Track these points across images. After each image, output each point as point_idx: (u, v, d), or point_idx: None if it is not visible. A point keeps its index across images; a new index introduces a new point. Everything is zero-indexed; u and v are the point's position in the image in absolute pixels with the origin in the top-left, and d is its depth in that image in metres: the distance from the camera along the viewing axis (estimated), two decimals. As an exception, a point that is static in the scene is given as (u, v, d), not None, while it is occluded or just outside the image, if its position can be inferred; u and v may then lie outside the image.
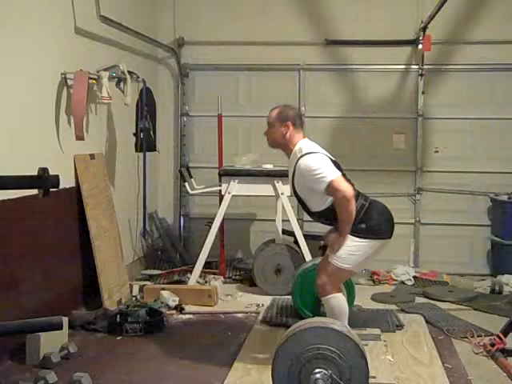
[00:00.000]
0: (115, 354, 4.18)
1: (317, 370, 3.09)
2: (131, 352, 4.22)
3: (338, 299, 3.85)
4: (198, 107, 7.20)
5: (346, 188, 3.70)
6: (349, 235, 3.80)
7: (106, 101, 5.11)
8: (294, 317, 4.82)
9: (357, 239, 3.80)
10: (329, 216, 3.86)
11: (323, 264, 3.94)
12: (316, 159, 3.79)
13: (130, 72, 5.41)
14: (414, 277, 6.28)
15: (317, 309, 4.60)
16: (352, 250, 3.81)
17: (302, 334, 3.18)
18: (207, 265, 6.00)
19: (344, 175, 3.87)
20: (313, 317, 4.34)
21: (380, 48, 6.87)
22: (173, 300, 5.16)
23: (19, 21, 4.12)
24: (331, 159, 3.90)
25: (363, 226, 3.80)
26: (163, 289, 5.34)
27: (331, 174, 3.72)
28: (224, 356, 4.14)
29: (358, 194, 3.90)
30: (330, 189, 3.71)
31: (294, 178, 3.88)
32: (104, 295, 4.92)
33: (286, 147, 3.99)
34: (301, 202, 3.97)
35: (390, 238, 3.94)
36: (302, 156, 3.81)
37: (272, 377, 3.19)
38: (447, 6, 5.64)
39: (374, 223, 3.83)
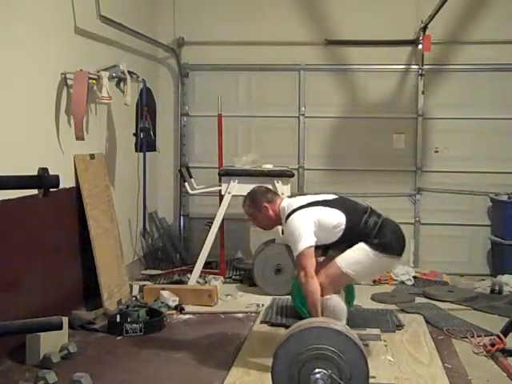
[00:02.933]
0: (115, 354, 4.17)
1: (316, 370, 3.09)
2: (131, 352, 4.22)
3: (335, 300, 3.85)
4: (198, 107, 7.20)
5: (309, 266, 3.73)
6: (362, 243, 3.82)
7: (105, 101, 5.10)
8: (293, 317, 4.81)
9: (368, 248, 3.81)
10: (349, 239, 3.87)
11: (324, 263, 3.94)
12: (294, 224, 3.83)
13: (130, 72, 5.41)
14: (414, 277, 6.27)
15: None
16: (361, 257, 3.82)
17: (301, 334, 3.18)
18: (207, 265, 6.00)
19: (337, 203, 3.93)
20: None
21: (380, 48, 6.87)
22: (173, 300, 5.16)
23: (19, 21, 4.12)
24: (316, 202, 3.93)
25: (376, 241, 3.82)
26: (163, 289, 5.33)
27: (302, 244, 3.74)
28: (224, 356, 4.13)
29: (371, 212, 3.93)
30: (297, 261, 3.82)
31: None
32: (104, 295, 4.92)
33: (277, 221, 4.09)
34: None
35: (400, 256, 3.97)
36: (288, 216, 3.89)
37: (272, 377, 3.19)
38: (447, 6, 5.64)
39: (387, 240, 3.85)
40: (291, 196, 4.20)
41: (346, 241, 3.85)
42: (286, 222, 3.90)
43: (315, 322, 3.31)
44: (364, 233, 3.83)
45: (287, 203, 4.00)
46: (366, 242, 3.81)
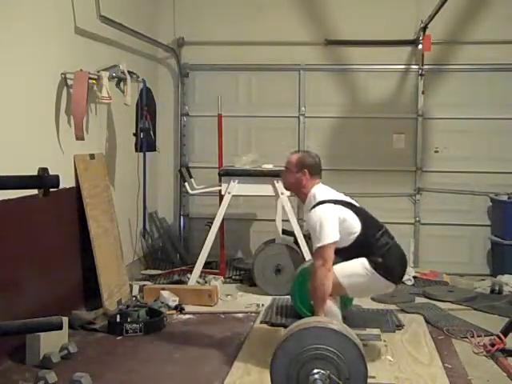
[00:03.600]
0: (115, 354, 4.17)
1: (315, 371, 3.09)
2: (131, 352, 4.22)
3: (328, 304, 3.77)
4: (198, 107, 7.20)
5: (330, 259, 3.68)
6: (364, 259, 3.81)
7: (105, 101, 5.11)
8: (293, 317, 4.81)
9: (368, 266, 3.79)
10: (356, 251, 3.85)
11: None
12: (322, 215, 3.76)
13: (130, 72, 5.41)
14: (414, 277, 6.26)
15: None
16: (358, 272, 3.81)
17: (300, 334, 3.17)
18: (207, 265, 6.00)
19: (360, 212, 3.90)
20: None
21: (380, 48, 6.87)
22: (173, 300, 5.16)
23: (19, 21, 4.12)
24: (345, 202, 3.91)
25: (380, 260, 3.80)
26: (163, 289, 5.33)
27: (326, 238, 3.70)
28: (224, 356, 4.13)
29: (385, 231, 3.93)
30: (315, 252, 3.74)
31: (307, 226, 4.00)
32: (104, 295, 4.92)
33: (299, 192, 4.05)
34: None
35: (397, 284, 3.96)
36: (315, 205, 3.83)
37: (271, 377, 3.19)
38: (447, 6, 5.64)
39: (391, 264, 3.84)
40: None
41: (353, 250, 3.84)
42: (313, 208, 3.82)
43: (313, 321, 3.31)
44: (372, 248, 3.82)
45: (318, 191, 3.92)
46: (369, 259, 3.80)
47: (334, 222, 3.75)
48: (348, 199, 3.99)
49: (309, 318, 3.50)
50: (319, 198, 3.86)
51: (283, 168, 4.11)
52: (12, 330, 2.83)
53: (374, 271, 3.78)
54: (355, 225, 3.84)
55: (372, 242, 3.84)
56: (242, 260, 6.82)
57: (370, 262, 3.80)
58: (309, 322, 3.31)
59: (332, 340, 3.12)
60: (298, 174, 3.97)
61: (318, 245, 3.71)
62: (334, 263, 3.79)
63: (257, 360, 4.01)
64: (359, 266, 3.81)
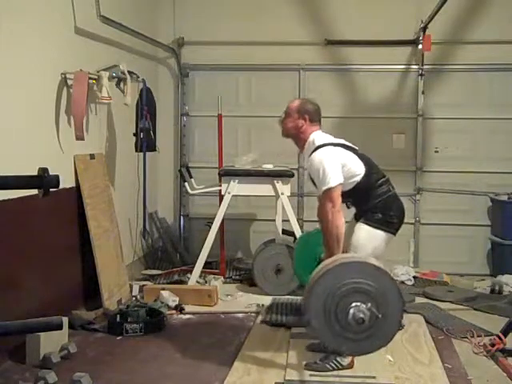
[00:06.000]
0: (115, 354, 4.17)
1: (354, 304, 3.13)
2: (131, 352, 4.22)
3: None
4: (197, 107, 7.20)
5: (338, 201, 3.68)
6: (362, 224, 3.83)
7: (105, 101, 5.10)
8: (293, 317, 4.82)
9: (371, 229, 3.82)
10: (355, 196, 3.87)
11: None
12: (324, 158, 3.75)
13: (130, 72, 5.41)
14: (414, 277, 6.27)
15: None
16: (367, 239, 3.83)
17: (339, 269, 3.20)
18: (207, 265, 6.00)
19: (363, 157, 3.89)
20: None
21: (380, 48, 6.87)
22: (173, 300, 5.16)
23: (19, 21, 4.12)
24: (346, 146, 3.90)
25: (379, 215, 3.81)
26: (163, 289, 5.33)
27: (332, 180, 3.69)
28: (224, 356, 4.13)
29: (388, 179, 3.93)
30: (323, 195, 3.71)
31: (309, 171, 3.94)
32: (104, 295, 4.92)
33: (298, 139, 4.00)
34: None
35: (394, 235, 3.96)
36: (315, 149, 3.82)
37: (306, 310, 3.21)
38: (447, 6, 5.64)
39: (391, 214, 3.85)
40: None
41: (354, 195, 3.83)
42: (313, 153, 3.80)
43: (352, 257, 3.33)
44: (372, 193, 3.82)
45: (317, 136, 3.91)
46: (368, 221, 3.80)
47: (337, 164, 3.74)
48: (349, 144, 3.96)
49: (344, 255, 3.50)
50: (318, 143, 3.84)
51: (282, 114, 4.05)
52: (12, 330, 2.82)
53: (377, 231, 3.81)
54: (357, 168, 3.83)
55: (373, 187, 3.84)
56: (242, 260, 6.81)
57: (372, 223, 3.80)
58: (347, 257, 3.33)
59: (372, 275, 3.12)
60: (298, 120, 3.94)
61: (325, 188, 3.69)
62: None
63: (257, 360, 4.01)
64: (367, 233, 3.82)
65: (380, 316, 3.11)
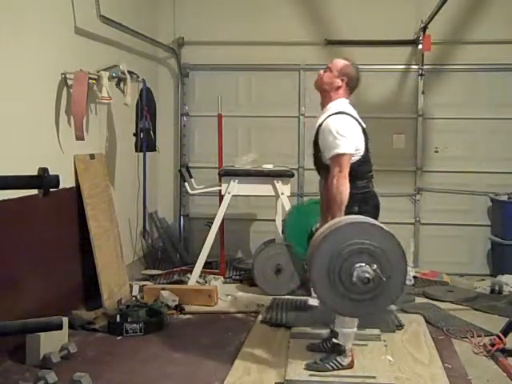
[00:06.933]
0: (115, 354, 4.17)
1: (359, 265, 3.14)
2: (131, 352, 4.22)
3: None
4: (197, 107, 7.20)
5: (346, 167, 3.64)
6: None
7: (105, 101, 5.10)
8: (293, 317, 4.82)
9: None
10: None
11: None
12: (340, 124, 3.71)
13: (130, 72, 5.41)
14: (414, 277, 6.26)
15: None
16: None
17: (344, 229, 3.20)
18: (207, 265, 6.00)
19: (367, 145, 3.86)
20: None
21: (380, 48, 6.86)
22: (173, 300, 5.16)
23: (19, 21, 4.12)
24: (361, 126, 3.86)
25: (356, 208, 3.74)
26: (163, 289, 5.33)
27: (345, 147, 3.66)
28: (224, 356, 4.13)
29: (371, 176, 3.92)
30: (333, 159, 3.67)
31: (318, 131, 3.85)
32: (104, 295, 4.92)
33: (327, 96, 3.94)
34: (317, 155, 3.91)
35: None
36: (337, 112, 3.77)
37: (309, 272, 3.23)
38: (447, 6, 5.64)
39: (366, 209, 3.77)
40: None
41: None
42: (334, 115, 3.76)
43: (358, 218, 3.34)
44: (357, 181, 3.76)
45: (343, 103, 3.88)
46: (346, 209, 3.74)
47: (352, 135, 3.72)
48: (364, 125, 3.92)
49: (350, 216, 3.48)
50: (341, 109, 3.80)
51: (325, 67, 3.97)
52: (12, 330, 2.83)
53: None
54: (359, 154, 3.79)
55: (360, 177, 3.80)
56: (242, 260, 6.81)
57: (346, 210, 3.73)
58: (353, 217, 3.33)
59: (377, 237, 3.13)
60: (337, 79, 3.90)
61: (336, 151, 3.65)
62: None
63: (257, 360, 4.01)
64: None
65: (384, 278, 3.10)
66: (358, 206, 3.76)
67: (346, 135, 3.69)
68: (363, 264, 3.15)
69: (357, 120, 3.86)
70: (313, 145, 3.93)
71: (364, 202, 3.81)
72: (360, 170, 3.81)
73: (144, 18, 6.61)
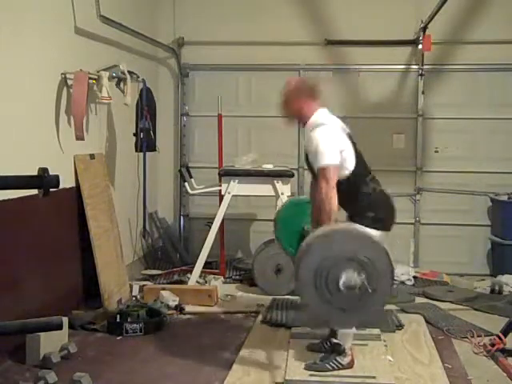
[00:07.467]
0: (115, 354, 4.17)
1: (347, 271, 3.15)
2: (131, 352, 4.22)
3: None
4: (197, 107, 7.20)
5: (333, 179, 3.63)
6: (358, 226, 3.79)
7: (105, 101, 5.11)
8: (293, 317, 4.82)
9: (366, 228, 3.75)
10: (342, 192, 3.79)
11: None
12: (320, 138, 3.72)
13: (130, 72, 5.41)
14: (414, 277, 6.27)
15: None
16: None
17: (335, 236, 3.23)
18: (207, 265, 6.00)
19: (356, 148, 3.86)
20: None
21: (380, 48, 6.87)
22: (173, 300, 5.16)
23: (19, 21, 4.12)
24: (345, 131, 3.88)
25: (371, 214, 3.76)
26: (163, 289, 5.33)
27: (328, 159, 3.67)
28: (224, 356, 4.13)
29: (374, 177, 3.92)
30: (319, 172, 3.68)
31: (307, 147, 3.89)
32: (104, 295, 4.92)
33: (302, 118, 3.97)
34: (311, 168, 3.93)
35: (390, 229, 3.94)
36: (317, 126, 3.79)
37: (296, 273, 3.24)
38: (447, 6, 5.64)
39: (382, 215, 3.82)
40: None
41: (344, 187, 3.76)
42: (315, 129, 3.77)
43: (351, 226, 3.35)
44: (361, 189, 3.80)
45: (321, 114, 3.88)
46: (362, 222, 3.73)
47: (335, 146, 3.72)
48: (348, 130, 3.94)
49: (344, 224, 3.49)
50: (321, 121, 3.81)
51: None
52: (12, 330, 2.83)
53: (369, 229, 3.74)
54: (351, 161, 3.80)
55: (361, 184, 3.82)
56: (242, 260, 6.81)
57: (366, 224, 3.72)
58: (345, 225, 3.33)
59: (368, 247, 3.16)
60: (297, 104, 3.90)
61: (320, 165, 3.67)
62: None
63: (257, 360, 4.01)
64: None
65: (370, 290, 3.11)
66: (372, 212, 3.78)
67: (328, 147, 3.69)
68: (351, 270, 3.14)
69: (340, 126, 3.87)
70: (306, 161, 4.00)
71: (375, 206, 3.82)
72: (358, 176, 3.82)
73: (144, 17, 6.61)
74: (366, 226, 3.77)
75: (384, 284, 3.15)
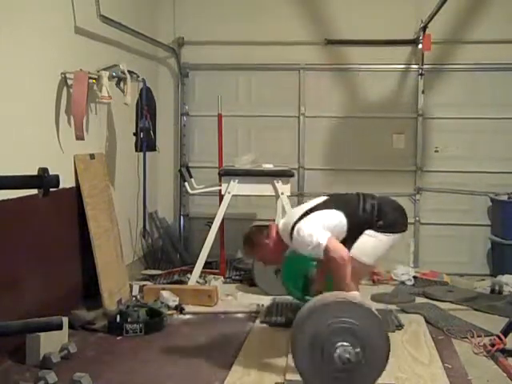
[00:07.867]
0: (115, 354, 4.17)
1: (341, 344, 3.15)
2: (131, 352, 4.22)
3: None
4: (197, 107, 7.20)
5: (340, 250, 3.69)
6: (368, 230, 3.85)
7: (105, 100, 5.11)
8: (293, 317, 4.81)
9: (376, 233, 3.84)
10: (353, 235, 3.89)
11: None
12: (305, 229, 3.78)
13: (129, 72, 5.41)
14: (414, 277, 6.26)
15: (307, 290, 4.73)
16: (373, 244, 3.86)
17: (328, 307, 3.22)
18: (207, 265, 5.99)
19: (332, 198, 4.00)
20: (303, 297, 4.56)
21: (380, 48, 6.86)
22: (173, 300, 5.15)
23: (19, 21, 4.12)
24: (312, 208, 3.94)
25: (381, 222, 3.84)
26: (163, 289, 5.33)
27: (322, 239, 3.71)
28: (224, 356, 4.13)
29: (364, 197, 3.97)
30: (324, 253, 3.72)
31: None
32: (104, 295, 4.92)
33: (283, 249, 4.07)
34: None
35: (405, 230, 4.02)
36: (292, 231, 3.83)
37: (292, 350, 3.24)
38: (447, 6, 5.64)
39: (391, 219, 3.89)
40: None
41: (354, 234, 3.86)
42: (292, 235, 3.84)
43: (341, 296, 3.36)
44: (367, 219, 3.87)
45: (283, 222, 4.01)
46: (372, 228, 3.84)
47: (319, 228, 3.78)
48: (313, 203, 3.99)
49: (333, 293, 3.50)
50: (291, 223, 3.87)
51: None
52: (12, 330, 2.83)
53: (383, 234, 3.84)
54: (336, 218, 3.86)
55: (361, 216, 3.88)
56: (242, 260, 6.80)
57: (375, 229, 3.83)
58: (336, 295, 3.35)
59: (361, 317, 3.16)
60: (267, 249, 4.03)
61: (322, 246, 3.71)
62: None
63: (257, 360, 4.01)
64: (370, 238, 3.85)
65: (363, 362, 3.13)
66: (381, 220, 3.86)
67: (314, 233, 3.74)
68: (346, 344, 3.16)
69: (307, 211, 3.91)
70: None
71: (382, 214, 3.88)
72: (356, 219, 3.88)
73: (144, 17, 6.61)
74: (382, 232, 3.85)
75: (380, 352, 3.17)
